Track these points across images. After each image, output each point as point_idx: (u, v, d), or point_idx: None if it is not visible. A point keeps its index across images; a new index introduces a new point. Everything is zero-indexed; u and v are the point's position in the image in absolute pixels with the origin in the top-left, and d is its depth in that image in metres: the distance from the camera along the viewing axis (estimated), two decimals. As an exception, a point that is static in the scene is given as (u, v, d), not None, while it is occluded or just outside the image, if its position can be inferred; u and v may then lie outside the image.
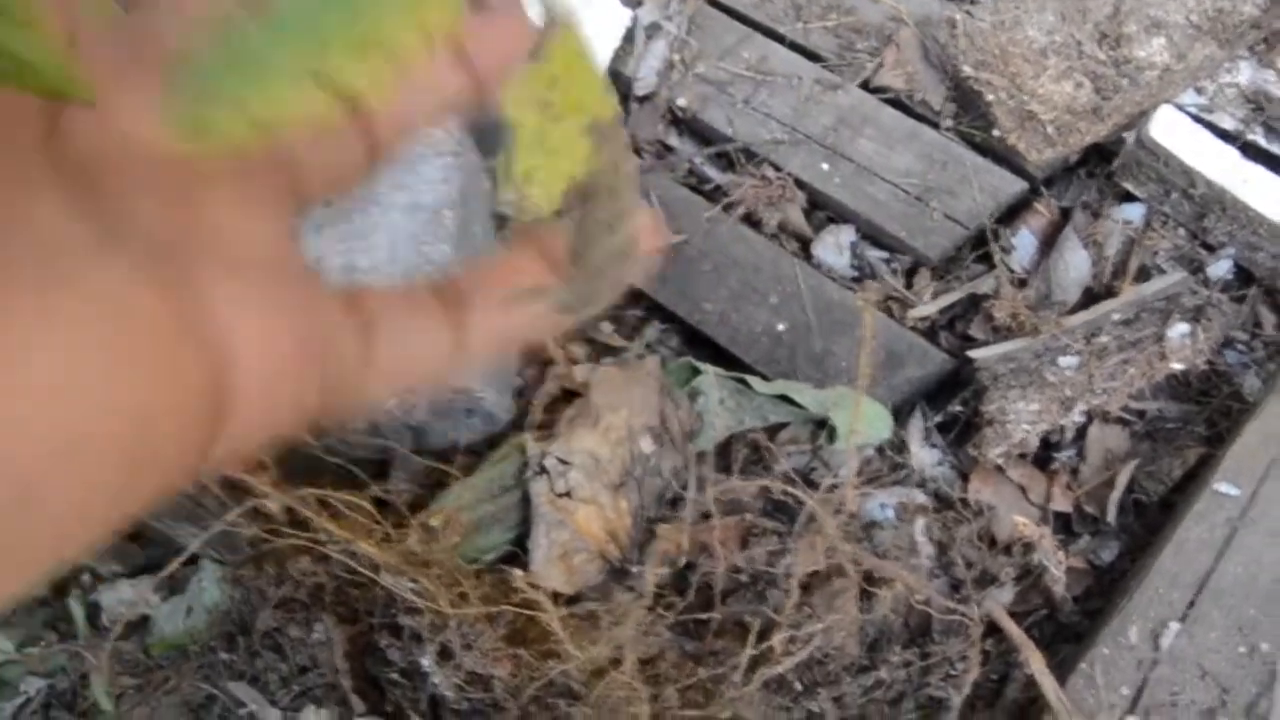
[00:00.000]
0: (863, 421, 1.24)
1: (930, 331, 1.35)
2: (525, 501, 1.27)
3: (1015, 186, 1.34)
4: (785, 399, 1.27)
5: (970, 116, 1.36)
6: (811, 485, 1.27)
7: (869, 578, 1.17)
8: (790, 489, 1.14)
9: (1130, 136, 1.29)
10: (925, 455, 1.30)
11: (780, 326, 1.34)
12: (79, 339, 0.23)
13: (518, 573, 1.09)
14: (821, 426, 1.29)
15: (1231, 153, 1.28)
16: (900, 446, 1.31)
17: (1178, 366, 1.25)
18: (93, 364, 0.23)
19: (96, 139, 0.26)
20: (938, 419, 1.31)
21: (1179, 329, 1.25)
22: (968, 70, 1.33)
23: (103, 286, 0.24)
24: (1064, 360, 1.25)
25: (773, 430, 1.31)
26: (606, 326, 1.43)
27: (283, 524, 1.12)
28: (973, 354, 1.26)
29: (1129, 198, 1.34)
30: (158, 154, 0.26)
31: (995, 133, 1.34)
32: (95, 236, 0.25)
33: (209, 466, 0.28)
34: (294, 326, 0.28)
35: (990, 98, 1.32)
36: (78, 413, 0.23)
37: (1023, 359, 1.25)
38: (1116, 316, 1.25)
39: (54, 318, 0.23)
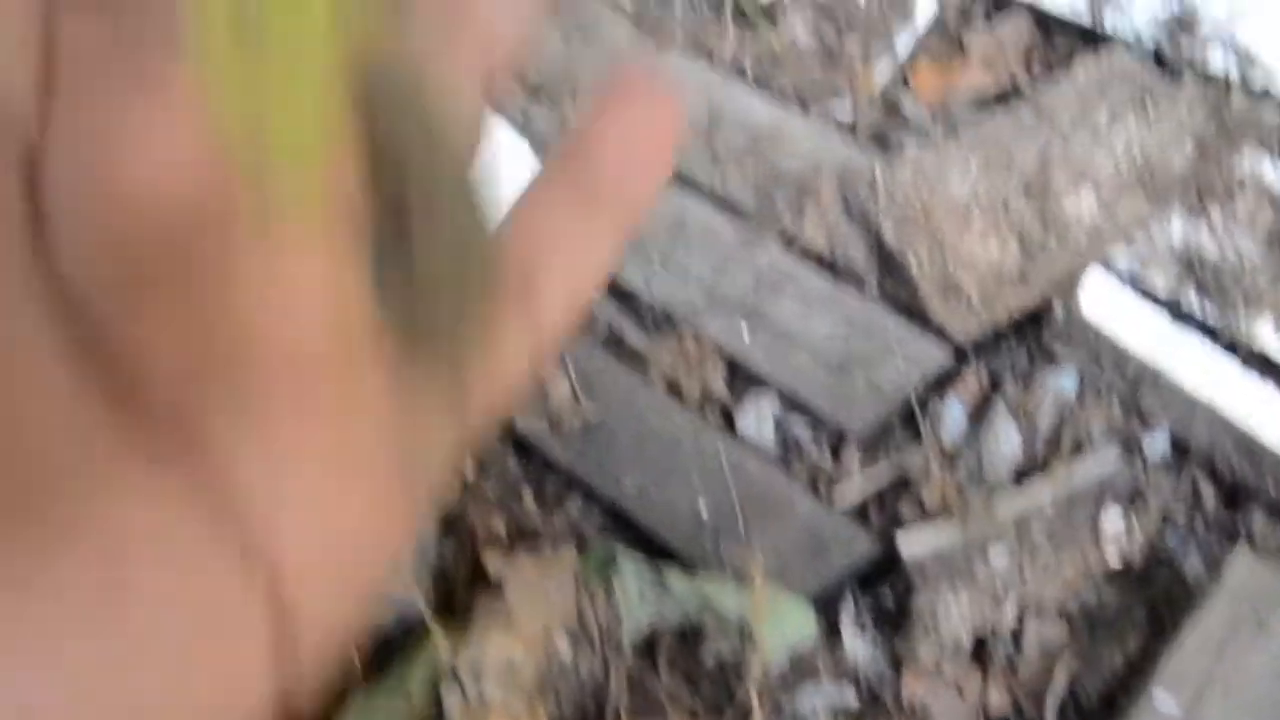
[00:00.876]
0: (782, 627, 1.18)
1: (859, 508, 1.28)
2: (438, 710, 1.21)
3: (941, 357, 1.27)
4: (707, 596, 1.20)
5: (893, 277, 1.29)
6: (741, 677, 1.21)
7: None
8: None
9: (1059, 307, 1.23)
10: (858, 645, 1.25)
11: (703, 508, 1.27)
12: (84, 609, 0.17)
13: None
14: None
15: (1163, 323, 1.21)
16: (832, 630, 1.25)
17: (1113, 559, 1.19)
18: (107, 641, 0.18)
19: (91, 201, 0.19)
20: (869, 605, 1.25)
21: (1114, 520, 1.19)
22: (888, 231, 1.26)
23: (113, 518, 0.18)
24: (995, 555, 1.19)
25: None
26: (526, 494, 1.36)
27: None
28: (901, 546, 1.20)
29: (1060, 362, 1.27)
30: (176, 215, 0.19)
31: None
32: (106, 410, 0.19)
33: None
34: (374, 476, 0.21)
35: (912, 263, 1.25)
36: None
37: (952, 554, 1.19)
38: (1049, 506, 1.19)
39: (53, 577, 0.17)
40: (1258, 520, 1.23)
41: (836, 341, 1.31)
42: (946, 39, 1.46)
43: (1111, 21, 1.42)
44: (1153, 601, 1.22)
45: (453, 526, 1.36)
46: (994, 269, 1.26)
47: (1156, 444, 1.25)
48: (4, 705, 0.16)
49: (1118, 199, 1.28)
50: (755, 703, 1.19)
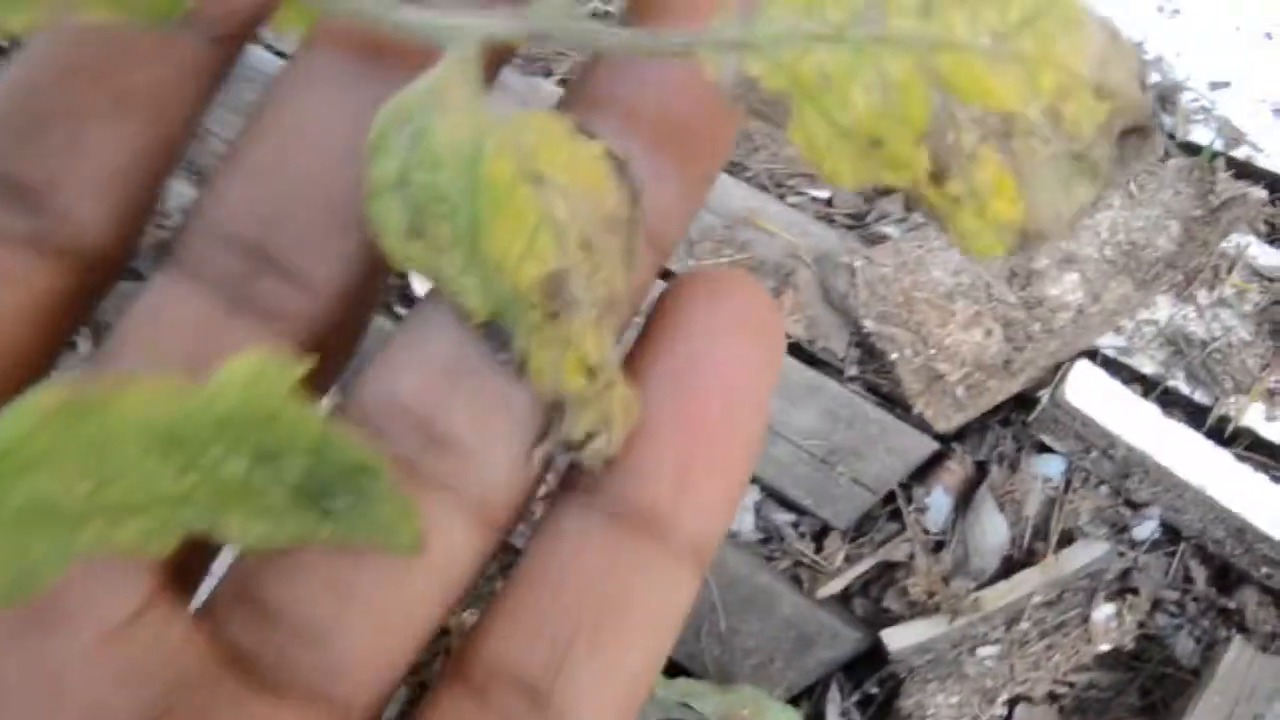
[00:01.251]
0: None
1: (844, 596, 1.26)
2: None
3: (925, 448, 1.26)
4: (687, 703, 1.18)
5: (875, 365, 1.27)
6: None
7: None
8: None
9: (1045, 395, 1.21)
10: (843, 736, 1.22)
11: (683, 603, 1.24)
12: None
13: None
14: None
15: (1152, 412, 1.20)
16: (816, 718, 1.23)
17: (1105, 648, 1.17)
18: None
19: None
20: (855, 698, 1.22)
21: (1104, 611, 1.17)
22: (870, 325, 1.24)
23: None
24: (984, 650, 1.17)
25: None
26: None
27: None
28: (887, 643, 1.18)
29: (1047, 448, 1.25)
30: None
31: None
32: None
33: None
34: None
35: (895, 356, 1.23)
36: None
37: (940, 650, 1.17)
38: (1037, 599, 1.17)
39: None
40: (1250, 603, 1.21)
41: (818, 436, 1.28)
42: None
43: (1092, 96, 1.40)
44: (1145, 685, 1.20)
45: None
46: (978, 359, 1.24)
47: (1146, 529, 1.24)
48: None
49: (1104, 284, 1.26)
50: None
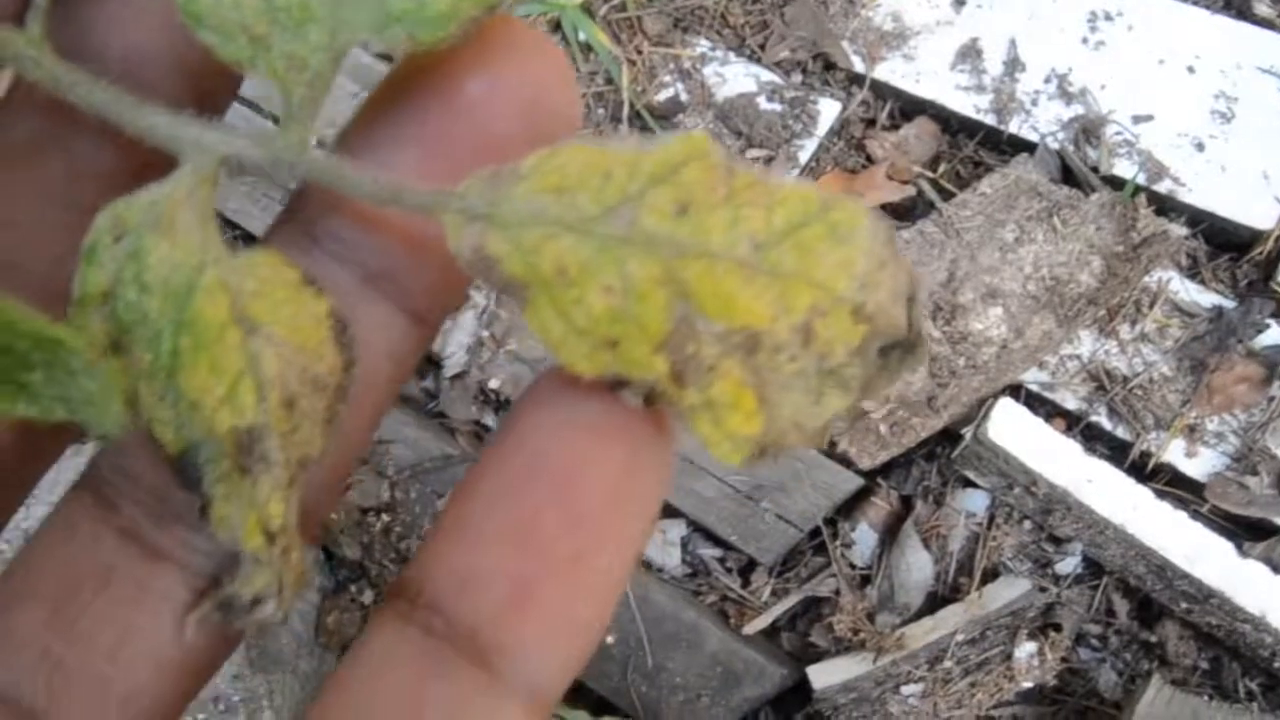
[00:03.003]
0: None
1: (771, 630, 1.28)
2: None
3: (850, 484, 1.29)
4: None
5: (802, 400, 1.29)
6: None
7: None
8: None
9: (969, 432, 1.23)
10: (770, 773, 1.25)
11: (610, 639, 1.26)
12: None
13: None
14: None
15: (1073, 449, 1.23)
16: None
17: (1027, 685, 1.20)
18: None
19: None
20: (782, 734, 1.25)
21: (1026, 648, 1.21)
22: (795, 359, 1.25)
23: None
24: (907, 689, 1.20)
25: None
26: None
27: None
28: (813, 680, 1.20)
29: (972, 482, 1.28)
30: None
31: (828, 424, 1.27)
32: None
33: None
34: None
35: (820, 391, 1.24)
36: None
37: (864, 688, 1.20)
38: (961, 636, 1.20)
39: None
40: (1171, 636, 1.25)
41: (743, 471, 1.30)
42: (852, 145, 1.47)
43: (1017, 125, 1.43)
44: (1069, 718, 1.23)
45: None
46: (902, 395, 1.27)
47: (1069, 564, 1.27)
48: None
49: (1027, 319, 1.29)
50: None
